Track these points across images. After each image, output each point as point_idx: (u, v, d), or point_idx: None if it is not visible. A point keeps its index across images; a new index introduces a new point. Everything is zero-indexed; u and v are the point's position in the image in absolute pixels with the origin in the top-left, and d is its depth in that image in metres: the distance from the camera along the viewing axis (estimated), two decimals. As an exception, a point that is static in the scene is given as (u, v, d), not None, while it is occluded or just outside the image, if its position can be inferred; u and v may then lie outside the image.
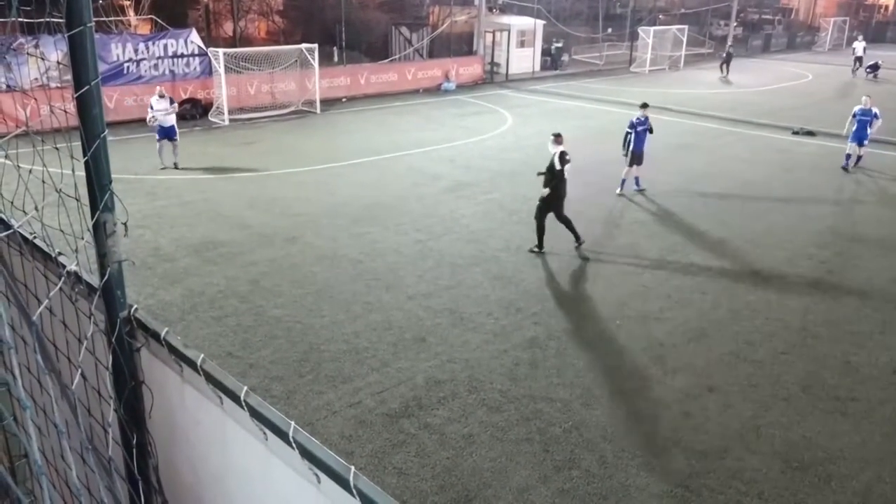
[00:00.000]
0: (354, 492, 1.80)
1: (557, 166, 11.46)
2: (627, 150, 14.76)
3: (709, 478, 6.58)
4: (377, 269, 11.20)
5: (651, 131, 14.90)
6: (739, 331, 9.37)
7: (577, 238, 11.91)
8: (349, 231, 12.83)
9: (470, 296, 10.31)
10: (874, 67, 33.37)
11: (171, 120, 16.49)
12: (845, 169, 17.15)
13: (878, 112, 17.04)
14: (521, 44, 33.44)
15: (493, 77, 31.65)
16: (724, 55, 34.95)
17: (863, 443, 7.13)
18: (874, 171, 17.24)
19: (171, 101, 16.80)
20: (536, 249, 11.81)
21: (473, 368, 8.35)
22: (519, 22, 33.81)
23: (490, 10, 35.38)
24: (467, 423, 7.32)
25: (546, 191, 11.56)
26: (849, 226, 13.59)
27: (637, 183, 15.27)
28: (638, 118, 14.77)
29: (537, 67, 34.15)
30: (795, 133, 21.39)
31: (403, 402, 7.67)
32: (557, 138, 11.66)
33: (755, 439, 7.17)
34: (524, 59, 33.41)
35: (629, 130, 14.76)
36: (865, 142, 17.15)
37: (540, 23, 34.33)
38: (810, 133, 21.23)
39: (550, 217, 11.76)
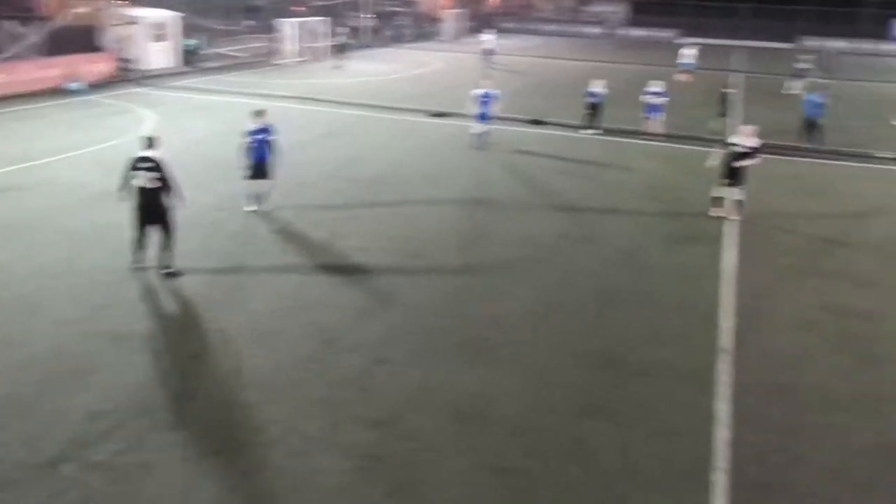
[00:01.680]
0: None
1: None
2: (251, 162, 12.93)
3: (388, 444, 7.00)
4: (12, 297, 9.70)
5: (270, 143, 13.07)
6: (408, 302, 10.07)
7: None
8: (-33, 262, 10.89)
9: (128, 314, 9.46)
10: (489, 53, 37.90)
11: None
12: (477, 146, 19.03)
13: (497, 94, 18.89)
14: (157, 38, 31.28)
15: (127, 74, 29.16)
16: (339, 45, 36.79)
17: (509, 383, 8.21)
18: (499, 144, 19.62)
19: None
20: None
21: (140, 391, 7.71)
22: (151, 14, 31.54)
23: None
24: (141, 451, 6.77)
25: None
26: (488, 193, 15.32)
27: (258, 201, 13.34)
28: (258, 127, 12.98)
29: (176, 63, 32.28)
30: (432, 115, 23.45)
31: (59, 445, 6.77)
32: (150, 143, 10.50)
33: (424, 399, 7.80)
34: (161, 54, 31.32)
35: (247, 140, 12.94)
36: (489, 120, 18.86)
37: (176, 15, 32.43)
38: (444, 114, 23.46)
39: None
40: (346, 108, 24.23)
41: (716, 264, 11.76)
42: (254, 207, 13.27)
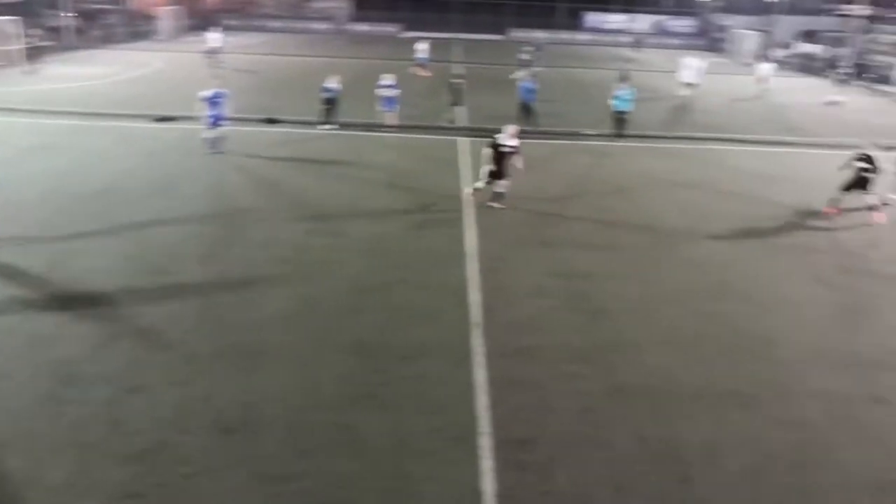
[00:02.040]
0: None
1: None
2: None
3: (154, 475, 6.53)
4: None
5: None
6: (155, 323, 9.38)
7: None
8: None
9: None
10: (215, 51, 36.21)
11: None
12: (212, 152, 17.90)
13: (226, 93, 18.16)
14: None
15: None
16: (33, 48, 33.36)
17: (273, 386, 8.08)
18: (234, 146, 18.88)
19: None
20: None
21: None
22: None
23: None
24: None
25: None
26: (229, 199, 14.73)
27: None
28: None
29: None
30: (158, 120, 21.94)
31: None
32: None
33: (188, 419, 7.38)
34: None
35: None
36: (221, 123, 18.01)
37: None
38: (170, 118, 22.06)
39: None
40: (56, 117, 21.71)
41: (459, 245, 12.56)
42: None
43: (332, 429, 7.32)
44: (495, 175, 14.49)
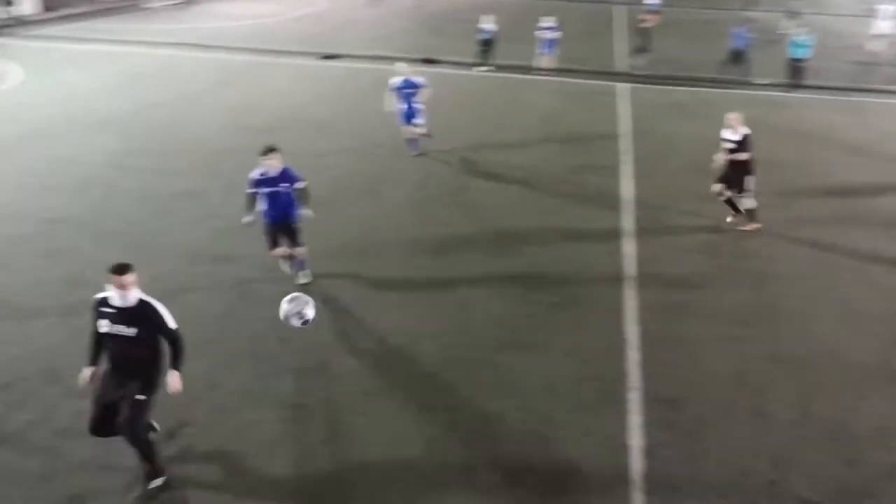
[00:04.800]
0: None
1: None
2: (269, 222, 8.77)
3: (317, 391, 7.01)
4: None
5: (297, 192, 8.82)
6: (309, 250, 9.94)
7: None
8: None
9: (20, 280, 8.92)
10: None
11: None
12: (413, 154, 13.97)
13: (422, 82, 13.69)
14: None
15: (-16, 23, 26.57)
16: None
17: (427, 321, 8.35)
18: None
19: None
20: None
21: (47, 358, 7.34)
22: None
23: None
24: (55, 418, 6.49)
25: None
26: (369, 130, 15.05)
27: (293, 267, 9.22)
28: (267, 172, 8.52)
29: (35, 9, 29.61)
30: (324, 58, 22.76)
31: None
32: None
33: (348, 344, 7.83)
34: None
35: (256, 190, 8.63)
36: (417, 121, 13.63)
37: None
38: (335, 57, 22.81)
39: None
40: (232, 53, 23.11)
41: (615, 192, 12.22)
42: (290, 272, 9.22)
43: (482, 367, 7.49)
44: (727, 183, 10.71)
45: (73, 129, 14.91)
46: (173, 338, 5.56)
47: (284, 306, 6.35)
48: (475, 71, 21.30)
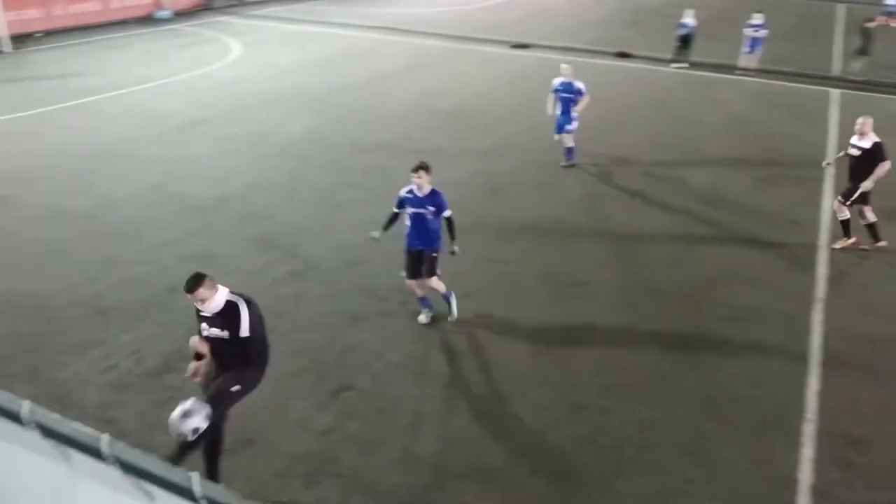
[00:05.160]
0: (110, 459, 1.67)
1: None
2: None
3: (472, 374, 7.14)
4: (113, 221, 10.23)
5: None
6: (485, 238, 10.08)
7: None
8: (72, 184, 11.49)
9: (221, 238, 9.87)
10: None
11: None
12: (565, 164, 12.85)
13: (578, 87, 12.44)
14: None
15: (212, 2, 29.48)
16: None
17: (591, 319, 8.18)
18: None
19: None
20: None
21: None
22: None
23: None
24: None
25: None
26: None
27: None
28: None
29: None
30: (514, 47, 22.87)
31: (163, 357, 7.24)
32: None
33: (508, 332, 7.88)
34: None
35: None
36: (569, 127, 12.57)
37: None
38: (526, 46, 22.84)
39: None
40: (427, 38, 23.89)
41: (813, 208, 11.22)
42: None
43: (641, 372, 7.24)
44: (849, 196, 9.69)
45: (276, 104, 16.17)
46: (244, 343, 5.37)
47: (175, 417, 5.09)
48: (672, 67, 20.41)
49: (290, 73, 18.95)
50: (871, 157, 9.40)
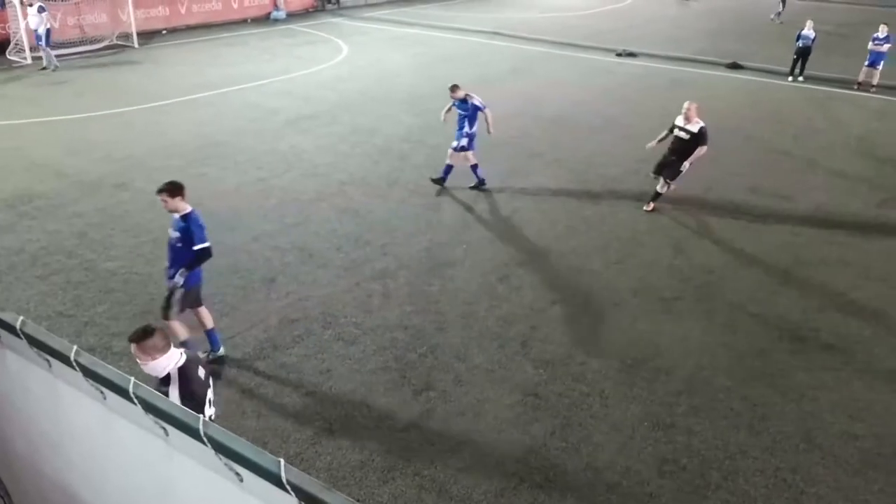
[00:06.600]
0: (205, 439, 1.78)
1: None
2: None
3: (555, 384, 7.08)
4: (218, 210, 10.70)
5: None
6: (577, 245, 9.98)
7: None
8: (184, 173, 12.08)
9: (317, 231, 10.19)
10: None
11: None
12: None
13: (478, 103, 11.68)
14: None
15: (324, 4, 30.49)
16: None
17: (685, 337, 7.94)
18: (696, 89, 18.42)
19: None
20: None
21: (326, 304, 8.33)
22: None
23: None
24: (324, 358, 7.36)
25: None
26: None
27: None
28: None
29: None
30: (619, 55, 22.48)
31: (257, 344, 7.56)
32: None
33: (594, 344, 7.77)
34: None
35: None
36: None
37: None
38: (632, 54, 22.40)
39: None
40: (530, 44, 23.81)
41: (932, 236, 10.49)
42: None
43: (731, 397, 6.97)
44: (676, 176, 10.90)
45: (380, 103, 16.55)
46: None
47: None
48: (789, 80, 19.52)
49: (395, 74, 19.34)
50: (695, 141, 10.57)
